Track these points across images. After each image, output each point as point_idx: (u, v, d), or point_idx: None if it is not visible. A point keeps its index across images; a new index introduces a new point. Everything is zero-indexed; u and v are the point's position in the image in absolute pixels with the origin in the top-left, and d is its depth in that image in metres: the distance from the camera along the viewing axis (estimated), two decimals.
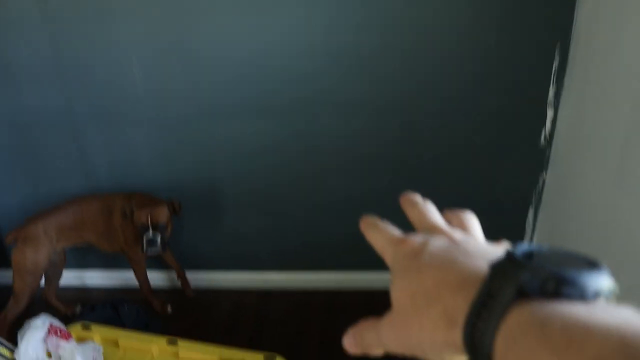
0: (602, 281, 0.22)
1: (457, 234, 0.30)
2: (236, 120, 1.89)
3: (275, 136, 1.91)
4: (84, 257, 2.24)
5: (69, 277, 2.21)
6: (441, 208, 0.34)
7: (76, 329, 1.22)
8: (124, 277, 2.21)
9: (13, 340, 1.10)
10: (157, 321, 2.01)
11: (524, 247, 0.24)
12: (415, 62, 1.75)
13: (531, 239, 2.01)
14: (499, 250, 0.27)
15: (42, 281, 1.96)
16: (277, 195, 2.03)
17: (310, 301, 2.13)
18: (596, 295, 0.21)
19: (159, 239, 1.81)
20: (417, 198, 0.35)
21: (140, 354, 1.17)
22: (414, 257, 0.28)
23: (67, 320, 1.49)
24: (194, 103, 1.87)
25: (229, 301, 2.17)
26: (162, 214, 1.81)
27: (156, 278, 2.21)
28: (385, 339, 0.29)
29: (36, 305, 1.93)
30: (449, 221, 0.32)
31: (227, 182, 2.02)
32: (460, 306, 0.24)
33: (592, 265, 0.22)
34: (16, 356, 1.04)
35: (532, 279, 0.22)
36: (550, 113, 1.79)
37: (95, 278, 2.30)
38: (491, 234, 0.31)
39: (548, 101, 1.77)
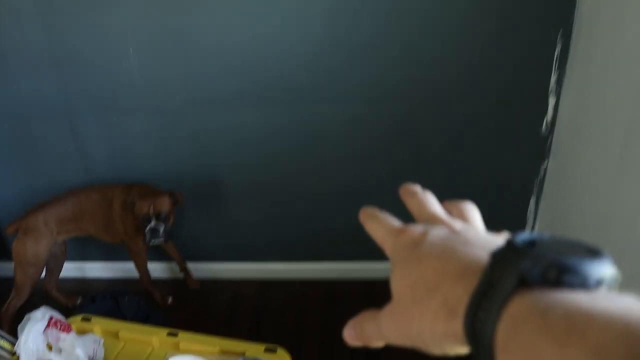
0: (604, 269, 0.21)
1: (457, 224, 0.29)
2: (235, 110, 1.88)
3: (275, 125, 1.90)
4: (84, 249, 2.24)
5: (69, 269, 2.22)
6: (441, 198, 0.34)
7: (76, 321, 1.22)
8: (125, 269, 2.22)
9: (13, 333, 1.10)
10: (157, 312, 2.02)
11: (524, 235, 0.23)
12: (416, 50, 1.73)
13: (532, 228, 2.01)
14: (499, 239, 0.27)
15: (43, 273, 1.96)
16: (276, 186, 2.03)
17: (310, 291, 2.14)
18: (598, 283, 0.21)
19: (161, 229, 1.81)
20: (417, 188, 0.35)
21: (141, 346, 1.17)
22: (413, 248, 0.28)
23: (67, 312, 1.50)
24: (192, 92, 1.86)
25: (229, 291, 2.18)
26: (165, 204, 1.81)
27: (156, 269, 2.22)
28: (385, 330, 0.29)
29: (36, 297, 1.94)
30: (449, 211, 0.32)
31: (226, 172, 2.01)
32: (460, 296, 0.24)
33: (593, 253, 0.22)
34: (16, 349, 1.04)
35: (533, 268, 0.21)
36: (551, 101, 1.78)
37: (96, 269, 2.31)
38: (492, 224, 0.31)
39: (550, 89, 1.76)
